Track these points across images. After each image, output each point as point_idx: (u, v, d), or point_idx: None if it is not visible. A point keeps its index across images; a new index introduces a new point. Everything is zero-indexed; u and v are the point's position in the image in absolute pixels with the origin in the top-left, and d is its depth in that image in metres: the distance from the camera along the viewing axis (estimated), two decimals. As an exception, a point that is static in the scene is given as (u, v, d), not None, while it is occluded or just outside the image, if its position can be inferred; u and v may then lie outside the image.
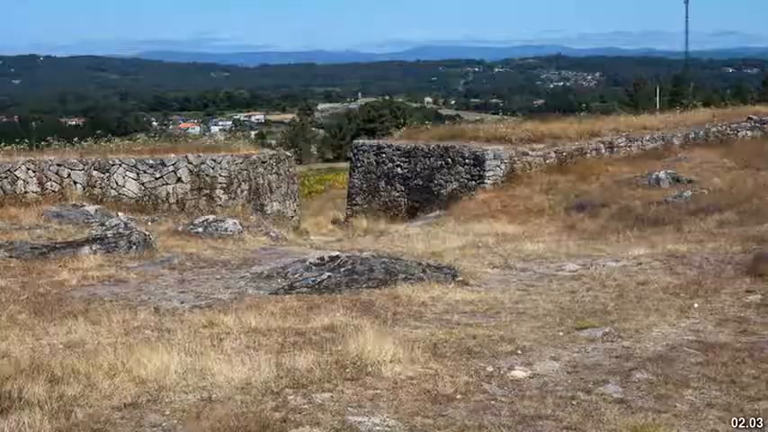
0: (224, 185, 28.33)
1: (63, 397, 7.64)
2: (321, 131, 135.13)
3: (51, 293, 13.55)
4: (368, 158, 36.95)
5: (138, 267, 16.10)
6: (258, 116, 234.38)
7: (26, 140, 27.98)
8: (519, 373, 8.76)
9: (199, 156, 28.20)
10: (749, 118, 40.57)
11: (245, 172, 29.11)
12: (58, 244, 17.75)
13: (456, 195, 31.60)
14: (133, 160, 26.85)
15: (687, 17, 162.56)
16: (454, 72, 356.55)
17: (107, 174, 26.31)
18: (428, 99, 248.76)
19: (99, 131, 34.49)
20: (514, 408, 7.73)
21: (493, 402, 7.87)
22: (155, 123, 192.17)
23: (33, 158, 25.84)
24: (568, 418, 7.49)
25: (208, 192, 27.85)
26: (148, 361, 8.58)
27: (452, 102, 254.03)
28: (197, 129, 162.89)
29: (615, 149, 35.49)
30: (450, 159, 33.12)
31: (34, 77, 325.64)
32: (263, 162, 30.33)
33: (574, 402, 7.86)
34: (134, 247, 17.59)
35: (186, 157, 27.84)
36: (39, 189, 25.21)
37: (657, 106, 61.95)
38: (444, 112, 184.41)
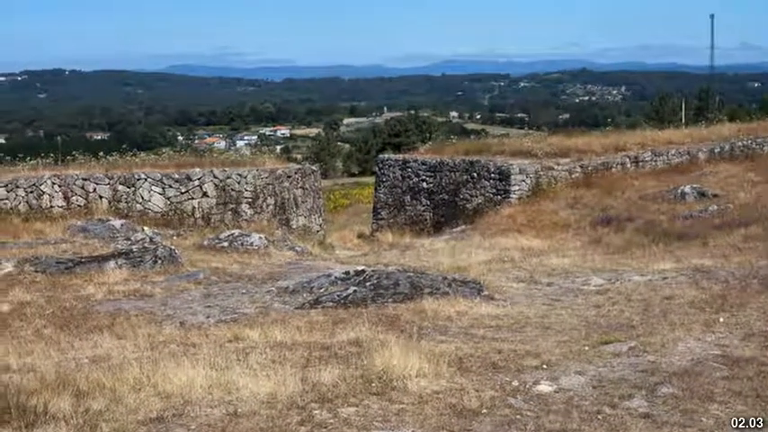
0: (249, 200, 28.34)
1: (88, 411, 7.66)
2: (346, 146, 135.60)
3: (77, 308, 13.63)
4: (393, 173, 36.94)
5: (164, 282, 16.16)
6: (284, 131, 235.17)
7: (51, 155, 28.00)
8: (544, 387, 8.73)
9: (224, 170, 28.25)
10: (775, 132, 40.45)
11: (270, 186, 29.11)
12: (84, 258, 17.84)
13: (481, 210, 31.53)
14: (159, 175, 26.93)
15: (712, 31, 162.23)
16: (479, 86, 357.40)
17: (132, 188, 26.41)
18: (453, 113, 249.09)
19: (124, 146, 34.61)
20: (540, 422, 7.69)
21: (518, 417, 7.84)
22: (180, 138, 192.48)
23: (59, 173, 25.98)
24: (594, 432, 7.47)
25: (233, 206, 27.89)
26: (174, 375, 8.59)
27: (478, 116, 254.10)
28: (222, 143, 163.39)
29: (640, 164, 35.39)
30: (475, 174, 33.07)
31: (60, 92, 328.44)
32: (289, 176, 30.31)
33: (599, 417, 7.83)
34: (159, 261, 17.66)
35: (212, 171, 27.90)
36: (64, 203, 25.34)
37: (683, 120, 61.88)
38: (470, 126, 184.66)
